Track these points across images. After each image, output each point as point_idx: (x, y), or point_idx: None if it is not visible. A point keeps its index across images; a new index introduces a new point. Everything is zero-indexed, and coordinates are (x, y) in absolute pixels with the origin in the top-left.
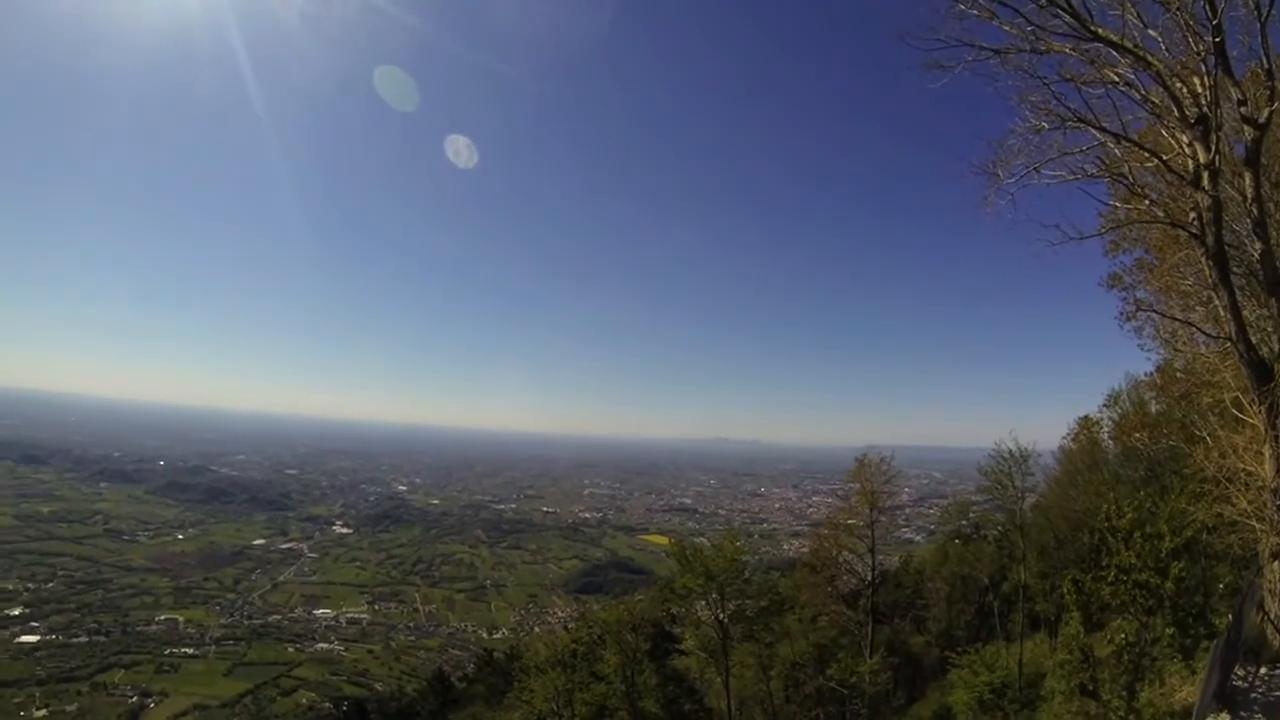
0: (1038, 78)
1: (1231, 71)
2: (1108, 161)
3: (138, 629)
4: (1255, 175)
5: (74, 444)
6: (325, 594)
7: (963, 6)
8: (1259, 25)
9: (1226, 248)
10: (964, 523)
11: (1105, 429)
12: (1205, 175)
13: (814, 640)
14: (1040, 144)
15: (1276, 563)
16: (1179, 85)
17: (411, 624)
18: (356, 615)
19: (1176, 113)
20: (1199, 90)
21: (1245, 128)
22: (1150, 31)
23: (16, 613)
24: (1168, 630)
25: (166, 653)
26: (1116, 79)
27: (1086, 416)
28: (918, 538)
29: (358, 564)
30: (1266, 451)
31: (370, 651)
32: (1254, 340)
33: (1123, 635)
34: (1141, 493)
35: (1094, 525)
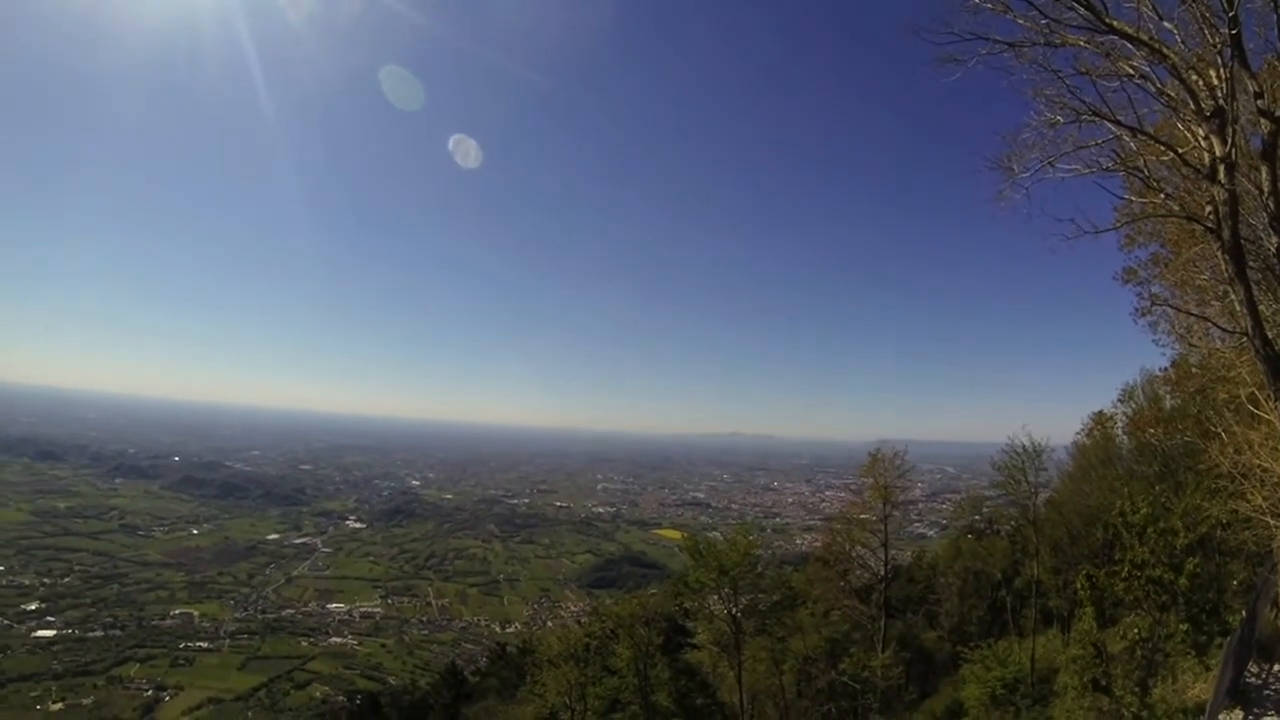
0: (1052, 71)
1: (1248, 64)
2: (1123, 155)
3: (153, 623)
4: (1272, 169)
5: (90, 440)
6: (339, 588)
7: (977, 0)
8: (1276, 17)
9: (1243, 242)
10: (977, 518)
11: (1119, 424)
12: (1221, 169)
13: (826, 635)
14: (1055, 138)
15: None
16: (1195, 78)
17: (424, 618)
18: (370, 609)
19: (1192, 106)
20: (1215, 83)
21: (1262, 121)
22: (1166, 24)
23: (33, 607)
24: (1181, 626)
25: (181, 646)
26: (1132, 72)
27: (1100, 411)
28: (930, 533)
29: (371, 558)
30: None
31: (383, 645)
32: (1270, 335)
33: (1136, 631)
34: (1156, 488)
35: (1108, 520)
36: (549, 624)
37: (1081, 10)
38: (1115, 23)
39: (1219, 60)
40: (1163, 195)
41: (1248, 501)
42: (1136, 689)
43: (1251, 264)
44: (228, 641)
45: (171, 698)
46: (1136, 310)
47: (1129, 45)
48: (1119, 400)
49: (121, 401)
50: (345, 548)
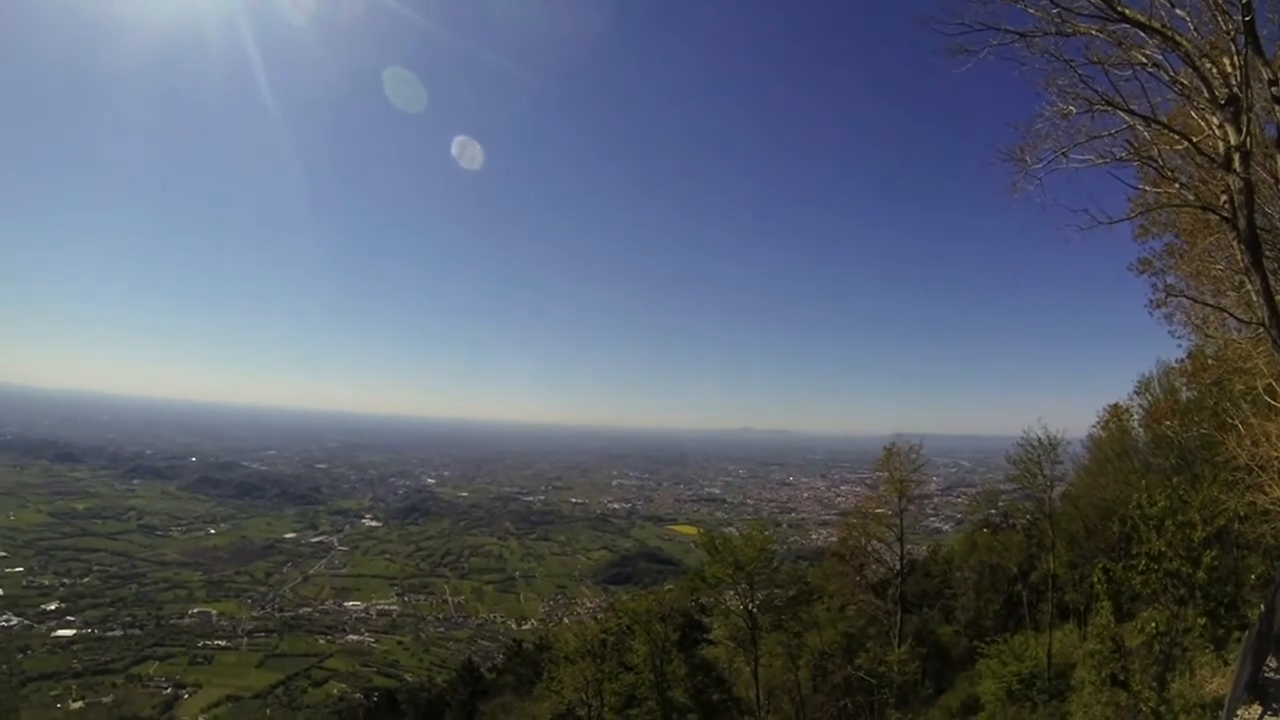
0: (1064, 61)
1: (1262, 51)
2: (1136, 144)
3: (171, 622)
4: None
5: (107, 442)
6: (355, 586)
7: None
8: None
9: (1259, 231)
10: (992, 511)
11: (1135, 416)
12: (1236, 157)
13: (842, 629)
14: (1068, 128)
15: None
16: (1208, 66)
17: (441, 615)
18: (386, 607)
19: (1206, 94)
20: (1229, 71)
21: (1276, 108)
22: (1178, 11)
23: (53, 607)
24: (1199, 620)
25: (200, 645)
26: (1144, 60)
27: (1116, 404)
28: (946, 527)
29: (387, 556)
30: None
31: (400, 643)
32: None
33: (1154, 625)
34: (1173, 481)
35: (1125, 514)
36: (565, 620)
37: None
38: (1127, 11)
39: (1232, 47)
40: (1177, 185)
41: (1265, 494)
42: (1154, 684)
43: (1268, 253)
44: (245, 640)
45: (190, 695)
46: (1152, 301)
47: (1141, 33)
48: (1135, 392)
49: (138, 403)
50: (361, 546)
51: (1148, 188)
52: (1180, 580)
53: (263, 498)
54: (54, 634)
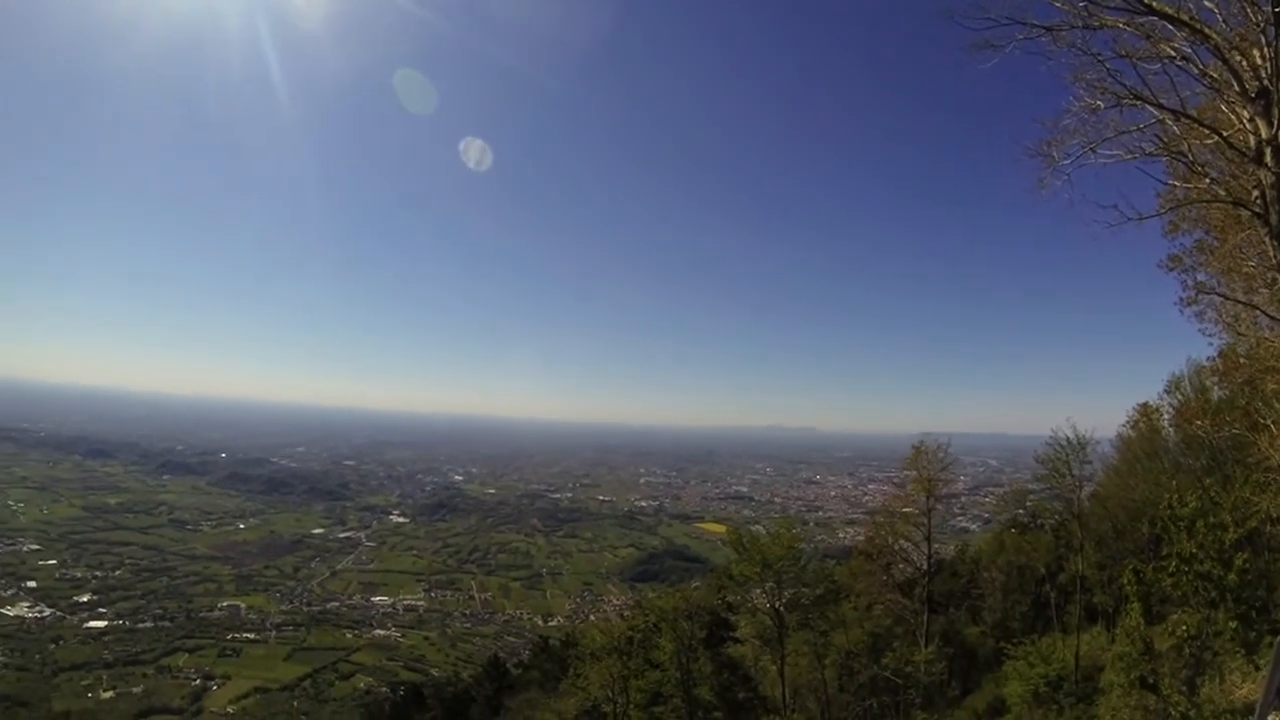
0: (1092, 54)
1: None
2: (1165, 139)
3: (201, 615)
4: None
5: (139, 438)
6: (383, 582)
7: None
8: None
9: None
10: (1020, 511)
11: (1165, 416)
12: (1268, 151)
13: (869, 629)
14: (1096, 123)
15: None
16: (1238, 58)
17: (467, 611)
18: (413, 602)
19: (1236, 87)
20: (1259, 63)
21: None
22: (1206, 3)
23: (85, 599)
24: (1230, 624)
25: (229, 638)
26: (1173, 53)
27: (1146, 403)
28: (973, 526)
29: (414, 552)
30: None
31: (426, 638)
32: None
33: (1184, 628)
34: (1204, 482)
35: (1154, 515)
36: (591, 618)
37: None
38: (1155, 3)
39: (1262, 39)
40: (1207, 180)
41: None
42: (1184, 688)
43: None
44: (274, 633)
45: (219, 687)
46: (1182, 299)
47: (1169, 26)
48: (1165, 391)
49: (169, 400)
50: (389, 542)
51: (1177, 183)
52: (1211, 583)
53: (292, 493)
54: (86, 625)
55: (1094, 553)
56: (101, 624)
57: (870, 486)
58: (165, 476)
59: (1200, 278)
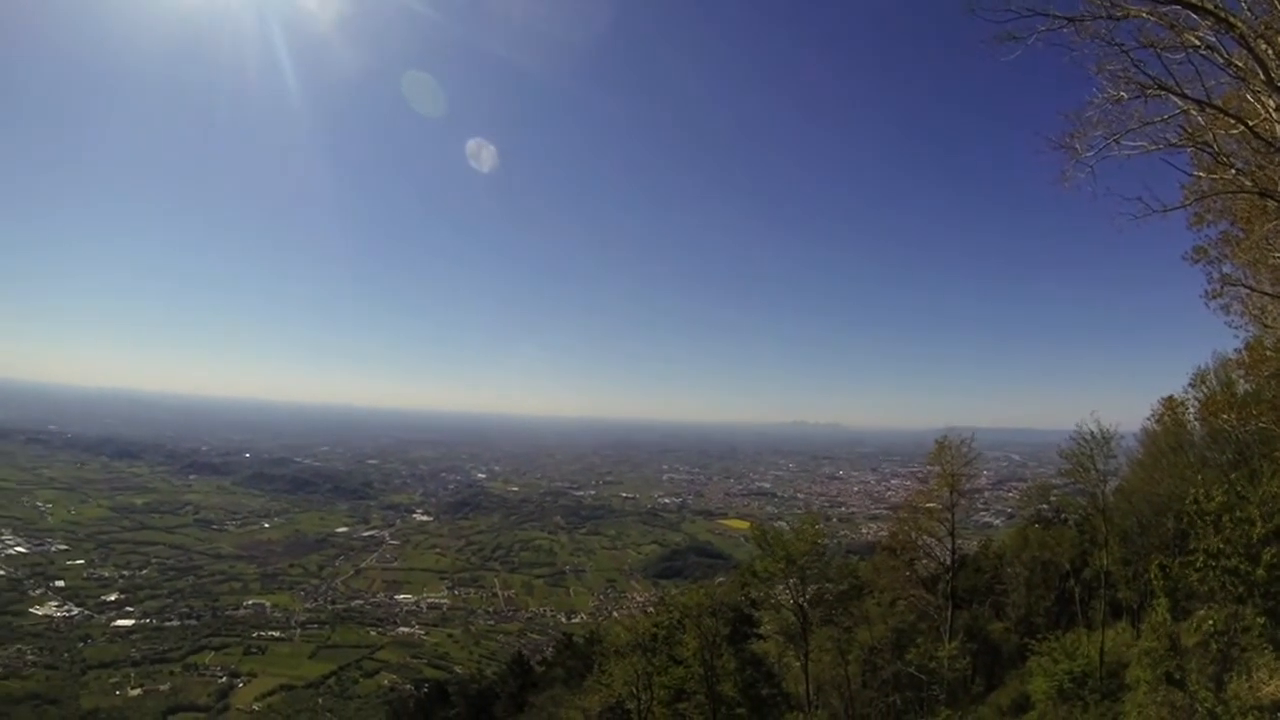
0: (1115, 45)
1: None
2: (1190, 129)
3: (227, 613)
4: None
5: (165, 440)
6: (406, 580)
7: None
8: None
9: None
10: (1044, 506)
11: (1190, 410)
12: None
13: (892, 625)
14: (1120, 114)
15: None
16: (1263, 47)
17: (491, 609)
18: (437, 600)
19: (1261, 76)
20: None
21: None
22: None
23: (113, 598)
24: (1258, 619)
25: (254, 635)
26: (1197, 43)
27: (1171, 397)
28: (996, 521)
29: (438, 550)
30: None
31: (450, 635)
32: None
33: (1211, 624)
34: (1231, 476)
35: (1180, 510)
36: (615, 614)
37: None
38: None
39: None
40: (1233, 170)
41: None
42: (1211, 684)
43: None
44: (299, 631)
45: (245, 684)
46: (1207, 291)
47: (1194, 15)
48: (1190, 385)
49: (194, 402)
50: (412, 540)
51: (1202, 174)
52: (1238, 578)
53: (316, 493)
54: (114, 624)
55: (1119, 548)
56: (129, 623)
57: (893, 482)
58: (191, 477)
59: (1226, 270)
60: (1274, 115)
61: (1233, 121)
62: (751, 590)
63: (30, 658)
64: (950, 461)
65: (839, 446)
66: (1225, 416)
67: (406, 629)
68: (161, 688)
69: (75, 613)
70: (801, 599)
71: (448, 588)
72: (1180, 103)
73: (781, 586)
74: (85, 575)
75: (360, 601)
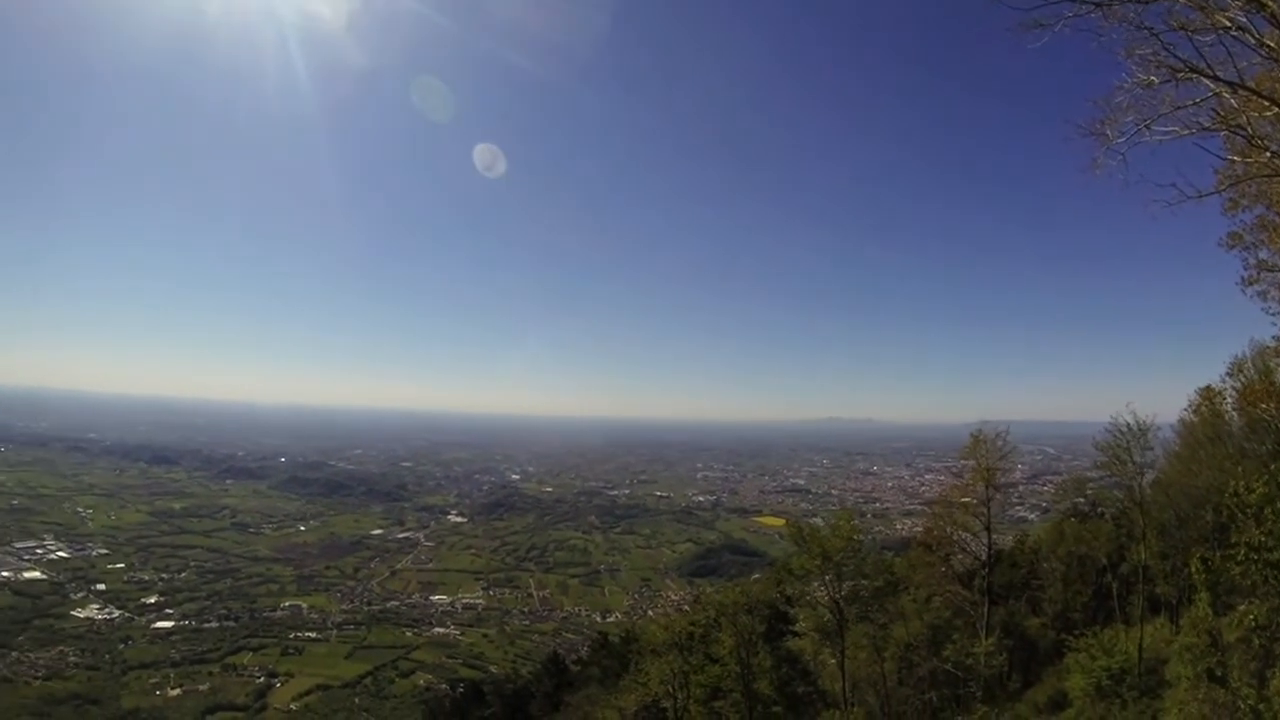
0: (1145, 28)
1: None
2: (1223, 112)
3: (264, 615)
4: None
5: (201, 445)
6: (441, 580)
7: None
8: None
9: None
10: (1080, 500)
11: (1228, 399)
12: None
13: (928, 621)
14: (1151, 99)
15: None
16: None
17: (525, 609)
18: (472, 601)
19: None
20: None
21: None
22: None
23: (153, 600)
24: None
25: (291, 636)
26: (1228, 24)
27: (1208, 387)
28: (1031, 516)
29: (473, 551)
30: None
31: (485, 635)
32: None
33: (1253, 618)
34: (1271, 467)
35: (1219, 502)
36: (650, 613)
37: None
38: None
39: None
40: (1268, 153)
41: None
42: (1254, 681)
43: None
44: (335, 632)
45: (282, 684)
46: (1243, 278)
47: None
48: (1227, 374)
49: (229, 408)
50: (447, 541)
51: (1236, 158)
52: None
53: (350, 495)
54: (153, 626)
55: (1156, 542)
56: (168, 624)
57: (927, 477)
58: (227, 481)
59: (1262, 255)
60: None
61: (1267, 103)
62: (787, 587)
63: (72, 659)
64: (985, 455)
65: (872, 442)
66: (1264, 406)
67: (442, 629)
68: (201, 688)
69: (116, 615)
70: (837, 595)
71: (483, 588)
72: (1212, 85)
73: (817, 583)
74: (125, 579)
75: (396, 602)
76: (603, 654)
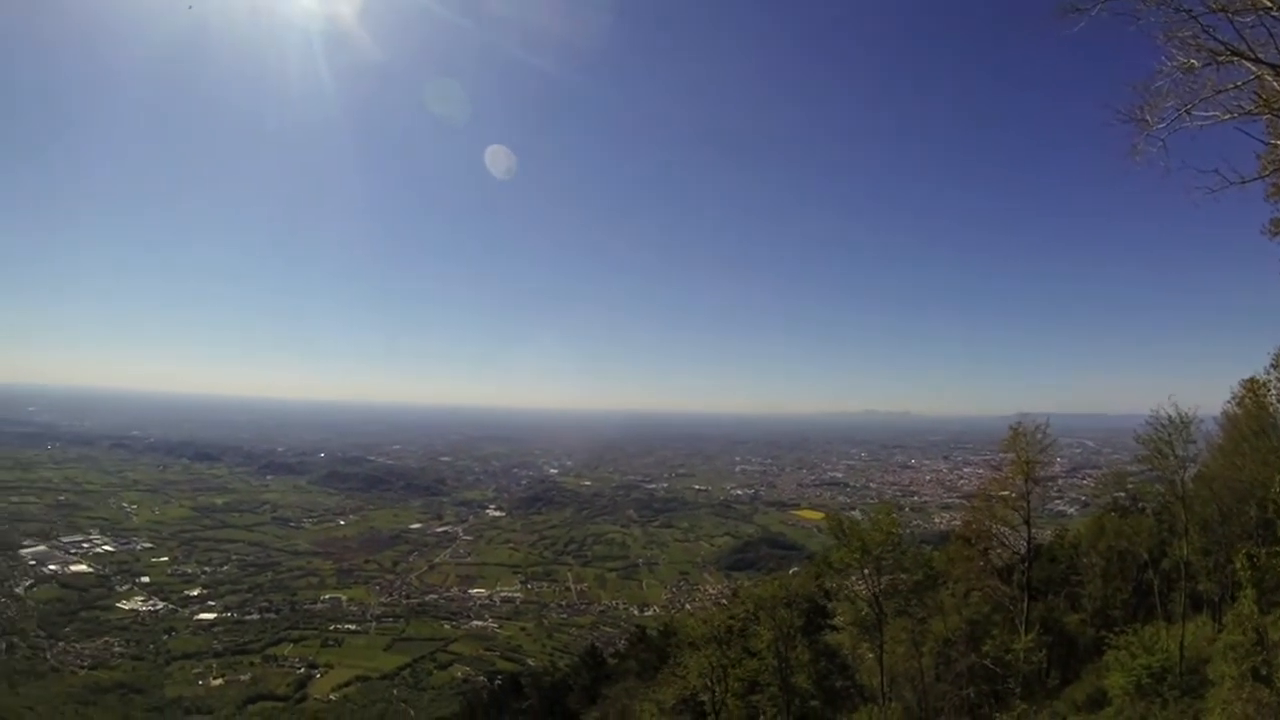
0: (1183, 11)
1: None
2: (1265, 95)
3: (305, 607)
4: None
5: (242, 442)
6: (480, 574)
7: None
8: None
9: None
10: (1120, 494)
11: (1273, 392)
12: None
13: (967, 616)
14: (1191, 83)
15: None
16: None
17: (563, 602)
18: (510, 594)
19: None
20: None
21: None
22: None
23: (196, 593)
24: None
25: (331, 629)
26: (1270, 4)
27: (1252, 379)
28: (1071, 510)
29: (511, 545)
30: None
31: (523, 629)
32: None
33: None
34: None
35: (1264, 497)
36: (687, 606)
37: None
38: None
39: None
40: None
41: None
42: None
43: None
44: (374, 624)
45: (322, 675)
46: None
47: None
48: (1272, 366)
49: (270, 405)
50: (485, 535)
51: (1278, 141)
52: None
53: (389, 490)
54: (196, 617)
55: (1199, 537)
56: (211, 616)
57: (965, 470)
58: (268, 477)
59: None
60: None
61: None
62: (826, 581)
63: (117, 649)
64: (1025, 448)
65: (910, 435)
66: None
67: (480, 622)
68: (242, 678)
69: (160, 607)
70: (876, 589)
71: (521, 582)
72: (1254, 68)
73: (856, 577)
74: (169, 572)
75: (434, 596)
76: (640, 647)
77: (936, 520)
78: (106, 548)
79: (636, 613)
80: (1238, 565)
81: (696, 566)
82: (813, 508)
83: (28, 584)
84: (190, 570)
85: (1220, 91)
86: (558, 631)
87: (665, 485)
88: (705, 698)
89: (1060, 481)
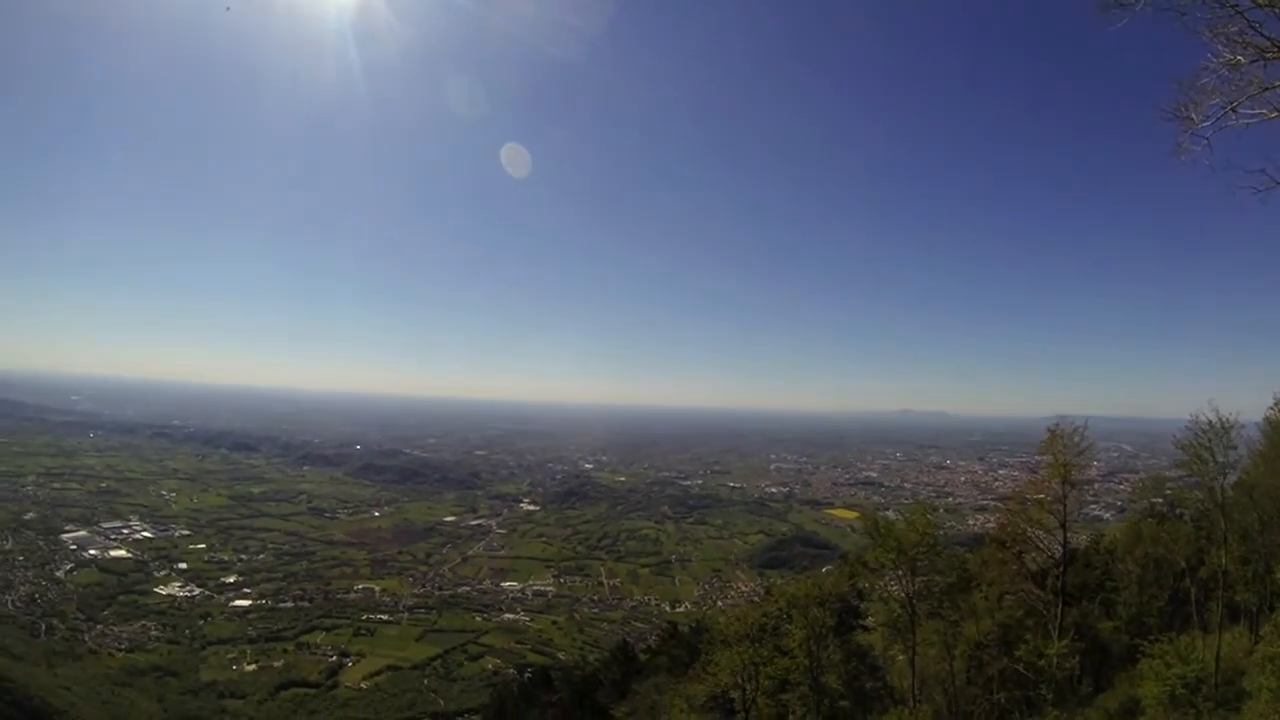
0: (1229, 6)
1: None
2: None
3: (338, 596)
4: None
5: (280, 433)
6: (512, 567)
7: None
8: None
9: None
10: (1158, 500)
11: None
12: None
13: (999, 620)
14: (1237, 80)
15: None
16: None
17: (595, 597)
18: (542, 588)
19: None
20: None
21: None
22: None
23: (231, 580)
24: None
25: (364, 618)
26: None
27: None
28: (1107, 515)
29: (544, 539)
30: None
31: (554, 622)
32: None
33: None
34: None
35: None
36: (719, 604)
37: None
38: None
39: None
40: None
41: None
42: None
43: None
44: (406, 615)
45: (354, 664)
46: None
47: None
48: None
49: (307, 396)
50: (519, 529)
51: None
52: None
53: (424, 483)
54: (232, 604)
55: (1238, 546)
56: (246, 603)
57: (1001, 472)
58: (305, 468)
59: None
60: None
61: None
62: (860, 581)
63: (154, 633)
64: (1062, 451)
65: (946, 435)
66: None
67: (511, 615)
68: (275, 664)
69: (196, 593)
70: (910, 590)
71: (553, 576)
72: None
73: (890, 577)
74: (206, 559)
75: (467, 588)
76: (672, 643)
77: (970, 522)
78: (145, 534)
79: (668, 609)
80: (1277, 575)
81: (729, 564)
82: (847, 507)
83: (68, 568)
84: (226, 558)
85: (1267, 89)
86: (589, 626)
87: (700, 482)
88: (736, 695)
89: (1097, 486)
